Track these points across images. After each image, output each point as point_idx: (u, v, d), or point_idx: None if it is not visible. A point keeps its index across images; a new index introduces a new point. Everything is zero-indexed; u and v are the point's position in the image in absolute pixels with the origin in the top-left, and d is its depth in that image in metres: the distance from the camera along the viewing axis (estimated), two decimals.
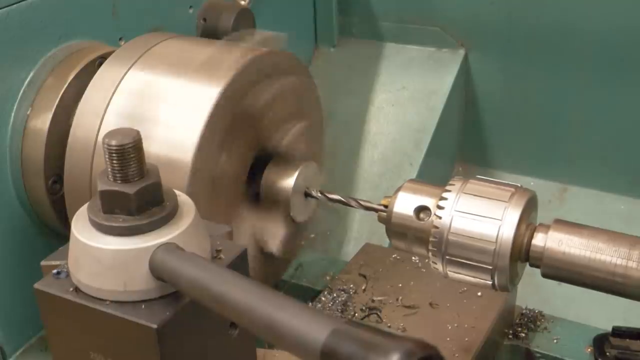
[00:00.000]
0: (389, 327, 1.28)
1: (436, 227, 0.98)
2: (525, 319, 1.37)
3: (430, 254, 1.00)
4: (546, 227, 0.97)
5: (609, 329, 1.29)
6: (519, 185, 1.00)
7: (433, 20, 1.85)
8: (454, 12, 1.82)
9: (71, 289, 0.74)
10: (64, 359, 0.78)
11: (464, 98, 1.90)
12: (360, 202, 1.12)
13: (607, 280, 0.93)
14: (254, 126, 1.13)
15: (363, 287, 1.38)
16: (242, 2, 1.50)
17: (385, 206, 1.05)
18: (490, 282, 0.98)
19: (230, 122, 1.08)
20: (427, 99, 1.82)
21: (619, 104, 1.73)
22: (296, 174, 1.16)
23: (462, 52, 1.85)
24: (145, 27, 1.27)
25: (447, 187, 1.00)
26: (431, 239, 0.99)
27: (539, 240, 0.96)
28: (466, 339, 1.24)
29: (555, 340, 1.34)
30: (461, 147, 1.97)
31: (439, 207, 0.99)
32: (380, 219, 1.06)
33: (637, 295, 0.93)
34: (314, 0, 1.92)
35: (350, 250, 1.63)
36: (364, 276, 1.41)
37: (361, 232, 1.71)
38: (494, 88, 1.87)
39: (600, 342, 1.28)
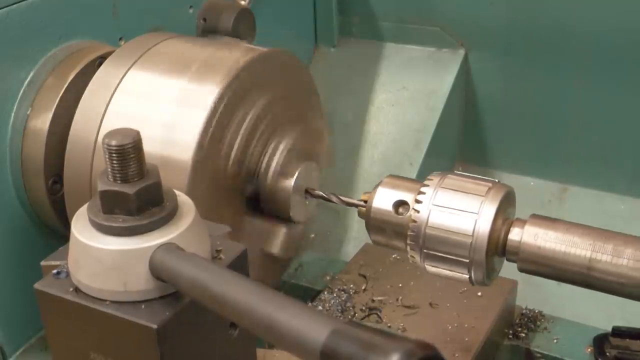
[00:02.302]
0: (389, 327, 1.28)
1: (414, 222, 0.99)
2: (525, 319, 1.37)
3: (408, 247, 1.01)
4: (522, 222, 0.98)
5: (609, 329, 1.29)
6: (497, 180, 1.01)
7: (433, 20, 1.85)
8: (454, 12, 1.82)
9: (71, 289, 0.74)
10: (64, 359, 0.78)
11: (464, 98, 1.90)
12: (341, 197, 1.13)
13: (582, 274, 0.94)
14: (254, 126, 1.13)
15: (363, 287, 1.38)
16: (242, 2, 1.50)
17: (365, 201, 1.06)
18: (467, 276, 0.98)
19: (231, 122, 1.08)
20: (427, 99, 1.82)
21: (618, 104, 1.73)
22: (296, 174, 1.16)
23: (462, 52, 1.85)
24: (145, 27, 1.27)
25: (425, 182, 1.01)
26: (409, 233, 1.00)
27: (515, 234, 0.97)
28: (466, 339, 1.24)
29: (555, 340, 1.34)
30: (461, 147, 1.97)
31: (417, 202, 1.00)
32: (360, 214, 1.07)
33: (611, 290, 0.93)
34: (314, 0, 1.92)
35: (350, 250, 1.63)
36: (364, 276, 1.41)
37: (361, 232, 1.70)
38: (494, 88, 1.87)
39: (600, 342, 1.28)
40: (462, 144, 1.97)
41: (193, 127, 1.03)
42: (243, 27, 1.42)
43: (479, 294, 1.32)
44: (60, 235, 1.19)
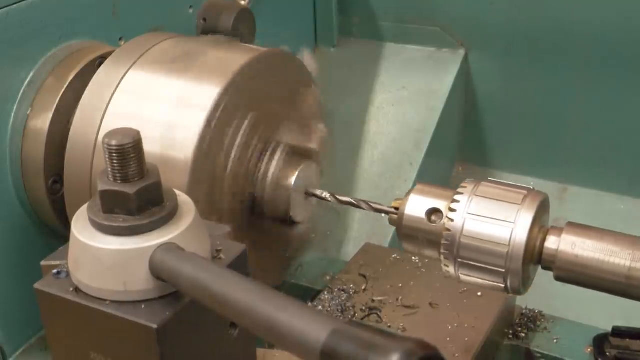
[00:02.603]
0: (389, 327, 1.28)
1: (448, 230, 0.97)
2: (525, 319, 1.37)
3: (442, 257, 0.99)
4: (559, 230, 0.96)
5: (609, 329, 1.29)
6: (531, 187, 0.99)
7: (433, 20, 1.85)
8: (454, 12, 1.82)
9: (71, 289, 0.74)
10: (64, 359, 0.78)
11: (464, 98, 1.90)
12: (371, 204, 1.11)
13: (621, 283, 0.92)
14: (254, 126, 1.13)
15: (363, 287, 1.38)
16: (242, 2, 1.50)
17: (397, 209, 1.04)
18: (503, 285, 0.97)
19: (231, 121, 1.08)
20: (427, 99, 1.82)
21: (618, 104, 1.73)
22: (296, 174, 1.16)
23: (462, 52, 1.85)
24: (145, 27, 1.27)
25: (459, 190, 0.99)
26: (443, 241, 0.98)
27: (552, 243, 0.96)
28: (466, 339, 1.24)
29: (555, 340, 1.33)
30: (461, 147, 1.97)
31: (451, 210, 0.98)
32: (392, 222, 1.05)
33: None
34: (314, 0, 1.92)
35: (350, 250, 1.63)
36: (364, 276, 1.41)
37: (361, 232, 1.71)
38: (494, 88, 1.87)
39: (600, 342, 1.28)
40: (462, 144, 1.97)
41: (193, 127, 1.03)
42: (243, 27, 1.42)
43: (479, 294, 1.32)
44: (60, 235, 1.19)
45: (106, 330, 0.72)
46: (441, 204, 1.01)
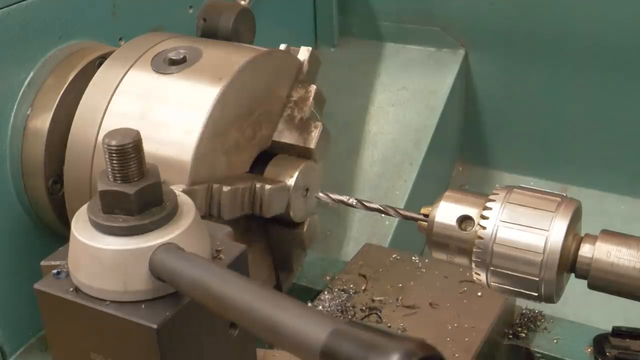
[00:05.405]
0: (389, 327, 1.28)
1: (480, 238, 0.96)
2: (525, 319, 1.37)
3: (473, 264, 0.97)
4: (593, 238, 0.95)
5: (609, 329, 1.29)
6: (565, 194, 0.98)
7: (433, 20, 1.85)
8: (454, 12, 1.82)
9: (71, 289, 0.74)
10: (64, 359, 0.78)
11: (464, 98, 1.90)
12: (399, 210, 1.09)
13: None
14: (254, 126, 1.13)
15: (363, 287, 1.38)
16: (242, 2, 1.50)
17: (426, 215, 1.02)
18: (536, 294, 0.95)
19: (230, 122, 1.08)
20: (427, 99, 1.82)
21: (618, 104, 1.73)
22: (296, 173, 1.16)
23: (462, 52, 1.85)
24: (145, 27, 1.27)
25: (491, 197, 0.98)
26: (475, 249, 0.96)
27: (586, 251, 0.94)
28: (466, 339, 1.24)
29: (555, 340, 1.33)
30: (461, 147, 1.97)
31: (483, 217, 0.97)
32: (421, 229, 1.03)
33: None
34: (314, 0, 1.92)
35: (350, 250, 1.63)
36: (364, 276, 1.41)
37: (361, 232, 1.71)
38: (494, 88, 1.87)
39: (600, 342, 1.28)
40: (462, 144, 1.97)
41: (193, 127, 1.03)
42: (243, 27, 1.42)
43: (479, 294, 1.32)
44: (60, 235, 1.19)
45: (106, 330, 0.72)
46: (472, 211, 0.99)
